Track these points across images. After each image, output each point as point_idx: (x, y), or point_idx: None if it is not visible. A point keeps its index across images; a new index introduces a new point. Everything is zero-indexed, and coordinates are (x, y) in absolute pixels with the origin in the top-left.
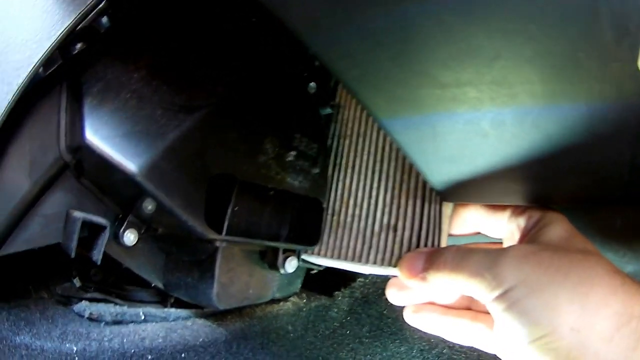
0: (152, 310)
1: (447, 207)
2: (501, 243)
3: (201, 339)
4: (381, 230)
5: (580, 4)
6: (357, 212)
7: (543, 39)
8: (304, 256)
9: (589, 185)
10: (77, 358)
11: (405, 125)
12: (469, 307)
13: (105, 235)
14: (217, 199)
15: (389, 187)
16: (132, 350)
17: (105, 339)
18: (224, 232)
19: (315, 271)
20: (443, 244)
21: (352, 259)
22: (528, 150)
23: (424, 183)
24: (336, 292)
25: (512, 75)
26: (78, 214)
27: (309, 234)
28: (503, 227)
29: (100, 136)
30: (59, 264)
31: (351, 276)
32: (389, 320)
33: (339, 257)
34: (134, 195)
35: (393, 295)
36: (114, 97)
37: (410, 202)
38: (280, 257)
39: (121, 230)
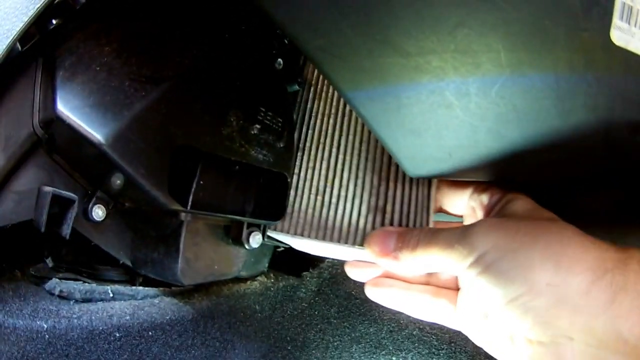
0: (121, 288)
1: (433, 188)
2: (461, 223)
3: (168, 317)
4: (368, 212)
5: None
6: (342, 192)
7: (507, 6)
8: (281, 236)
9: (559, 163)
10: (47, 335)
11: (370, 98)
12: (428, 282)
13: (74, 210)
14: (182, 171)
15: (376, 168)
16: (101, 328)
17: (75, 316)
18: (189, 206)
19: (281, 249)
20: (430, 225)
21: (338, 240)
22: (494, 123)
23: None
24: (304, 273)
25: (475, 43)
26: (48, 189)
27: (273, 208)
28: (464, 204)
29: (70, 107)
30: (32, 245)
31: (319, 257)
32: (357, 301)
33: (323, 238)
34: (102, 171)
35: (353, 270)
36: (85, 70)
37: (400, 184)
38: (245, 232)
39: (90, 205)
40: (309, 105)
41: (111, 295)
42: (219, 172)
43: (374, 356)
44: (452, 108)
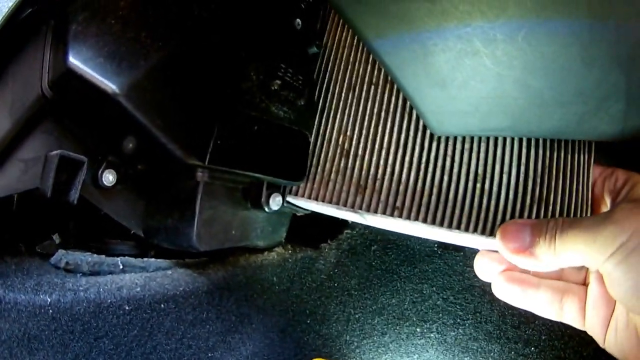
0: (131, 260)
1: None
2: None
3: (182, 288)
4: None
5: None
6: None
7: None
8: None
9: (582, 117)
10: (51, 310)
11: (395, 46)
12: (559, 277)
13: (83, 172)
14: (200, 126)
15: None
16: (109, 301)
17: (81, 289)
18: (207, 160)
19: (301, 214)
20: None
21: (441, 224)
22: (521, 72)
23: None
24: (322, 245)
25: None
26: (56, 152)
27: (295, 169)
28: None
29: (83, 59)
30: (38, 220)
31: (337, 228)
32: (378, 272)
33: (416, 219)
34: (115, 133)
35: (485, 268)
36: (99, 23)
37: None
38: (264, 193)
39: (100, 170)
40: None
41: (121, 267)
42: (239, 127)
43: (397, 327)
44: (479, 56)
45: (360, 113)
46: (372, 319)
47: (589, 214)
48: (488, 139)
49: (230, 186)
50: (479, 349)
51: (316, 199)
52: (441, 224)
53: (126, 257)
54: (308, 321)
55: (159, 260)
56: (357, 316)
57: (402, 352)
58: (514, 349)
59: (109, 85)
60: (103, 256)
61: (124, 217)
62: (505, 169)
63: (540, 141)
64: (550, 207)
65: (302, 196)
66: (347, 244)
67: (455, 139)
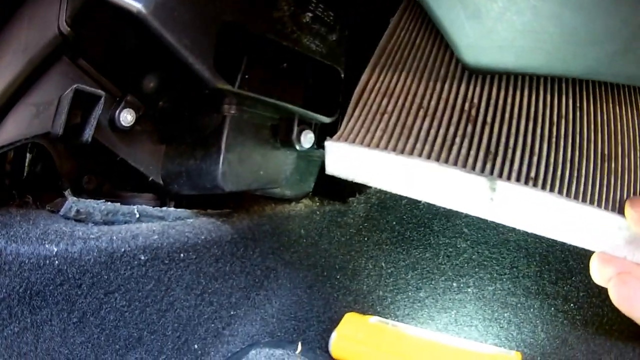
0: (149, 209)
1: None
2: None
3: (203, 237)
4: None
5: None
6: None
7: None
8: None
9: (613, 58)
10: (57, 261)
11: None
12: None
13: (99, 107)
14: (230, 51)
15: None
16: (122, 250)
17: (92, 237)
18: (236, 85)
19: None
20: None
21: (576, 197)
22: (556, 5)
23: None
24: (350, 198)
25: None
26: (71, 87)
27: (327, 103)
28: None
29: None
30: (50, 178)
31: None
32: (410, 225)
33: (552, 190)
34: (136, 70)
35: (605, 269)
36: None
37: None
38: (295, 129)
39: (118, 110)
40: None
41: (137, 216)
42: (270, 55)
43: (432, 282)
44: None
45: (487, 84)
46: (406, 274)
47: None
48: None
49: (258, 122)
50: (519, 304)
51: (437, 161)
52: (575, 197)
53: (143, 206)
54: (338, 276)
55: (179, 209)
56: (389, 271)
57: (439, 307)
58: (553, 305)
59: (134, 4)
60: (118, 204)
61: (142, 162)
62: (627, 151)
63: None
64: None
65: (414, 155)
66: (376, 198)
67: (581, 118)
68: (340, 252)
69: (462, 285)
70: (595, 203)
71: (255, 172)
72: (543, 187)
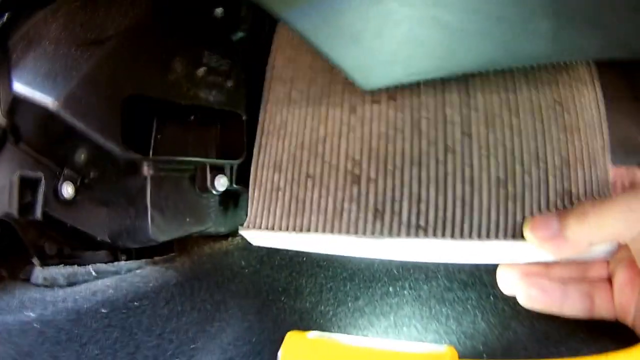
0: (103, 266)
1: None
2: None
3: (152, 284)
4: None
5: None
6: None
7: None
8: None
9: (510, 43)
10: (35, 324)
11: (305, 13)
12: (583, 277)
13: (42, 187)
14: (138, 122)
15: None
16: (85, 307)
17: (60, 300)
18: (150, 151)
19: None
20: None
21: (469, 236)
22: (429, 8)
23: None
24: None
25: None
26: (16, 174)
27: (233, 147)
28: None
29: (25, 81)
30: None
31: None
32: None
33: (443, 235)
34: (65, 146)
35: (508, 278)
36: (36, 48)
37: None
38: (209, 176)
39: (59, 184)
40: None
41: (94, 274)
42: (175, 118)
43: (370, 290)
44: (383, 2)
45: (365, 135)
46: (344, 286)
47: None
48: (490, 138)
49: (176, 176)
50: (456, 299)
51: (331, 232)
52: (470, 236)
53: (97, 265)
54: (282, 298)
55: (128, 262)
56: (329, 286)
57: (378, 312)
58: (491, 294)
59: (48, 99)
60: (76, 267)
61: (89, 226)
62: (526, 167)
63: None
64: (573, 199)
65: (311, 230)
66: None
67: (471, 146)
68: (282, 275)
69: (398, 288)
70: (493, 236)
71: (181, 219)
72: (434, 235)
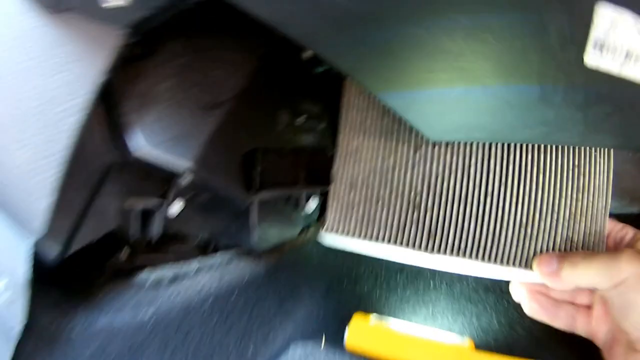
0: (200, 263)
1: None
2: None
3: (245, 276)
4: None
5: (529, 21)
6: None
7: (497, 45)
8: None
9: (547, 135)
10: (148, 320)
11: (401, 97)
12: (572, 300)
13: (158, 217)
14: (249, 167)
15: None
16: (191, 301)
17: (168, 297)
18: (257, 192)
19: None
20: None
21: (495, 261)
22: (492, 113)
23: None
24: None
25: (472, 66)
26: (134, 204)
27: (321, 177)
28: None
29: (152, 144)
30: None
31: None
32: None
33: (476, 258)
34: (171, 176)
35: (518, 291)
36: (154, 108)
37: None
38: (303, 199)
39: (166, 205)
40: None
41: (195, 270)
42: (276, 159)
43: (415, 282)
44: (465, 102)
45: (426, 171)
46: (395, 277)
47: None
48: (520, 189)
49: (277, 197)
50: (479, 300)
51: (395, 244)
52: (495, 261)
53: (196, 260)
54: (344, 283)
55: (221, 256)
56: (383, 276)
57: (420, 302)
58: (506, 299)
59: (183, 164)
60: (178, 266)
61: (191, 230)
62: (543, 216)
63: (568, 192)
64: (574, 245)
65: (378, 240)
66: None
67: (505, 193)
68: (344, 263)
69: (437, 283)
70: (512, 264)
71: (279, 232)
72: (470, 256)
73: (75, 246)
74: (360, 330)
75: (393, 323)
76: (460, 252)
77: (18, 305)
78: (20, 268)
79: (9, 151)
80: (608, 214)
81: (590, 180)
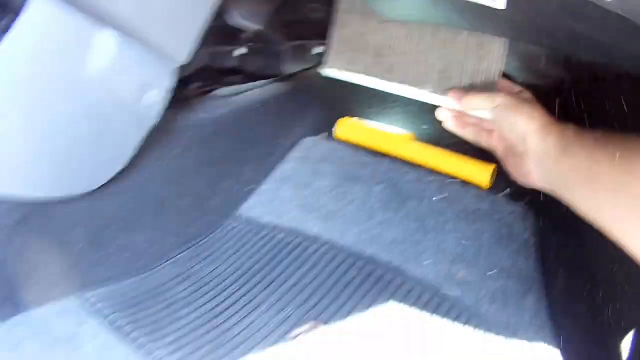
0: (248, 86)
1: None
2: None
3: (274, 95)
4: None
5: None
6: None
7: None
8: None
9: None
10: (222, 119)
11: None
12: (478, 124)
13: (231, 57)
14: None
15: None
16: (242, 108)
17: (232, 104)
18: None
19: None
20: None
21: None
22: None
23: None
24: None
25: None
26: (218, 50)
27: (324, 36)
28: None
29: (242, 17)
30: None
31: None
32: None
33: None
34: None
35: (444, 113)
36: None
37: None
38: (314, 47)
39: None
40: None
41: (246, 90)
42: (300, 25)
43: (383, 102)
44: None
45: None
46: (370, 98)
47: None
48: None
49: (299, 46)
50: (423, 113)
51: (369, 75)
52: (430, 91)
53: (246, 84)
54: (339, 102)
55: (262, 81)
56: (365, 95)
57: (387, 114)
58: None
59: (255, 26)
60: (237, 87)
61: (247, 67)
62: (456, 69)
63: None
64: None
65: (360, 73)
66: None
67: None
68: (341, 90)
69: (394, 103)
70: (440, 93)
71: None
72: (418, 87)
73: (189, 70)
74: (345, 125)
75: (367, 122)
76: (410, 83)
77: (157, 107)
78: (166, 83)
79: None
80: (501, 74)
81: (486, 51)
